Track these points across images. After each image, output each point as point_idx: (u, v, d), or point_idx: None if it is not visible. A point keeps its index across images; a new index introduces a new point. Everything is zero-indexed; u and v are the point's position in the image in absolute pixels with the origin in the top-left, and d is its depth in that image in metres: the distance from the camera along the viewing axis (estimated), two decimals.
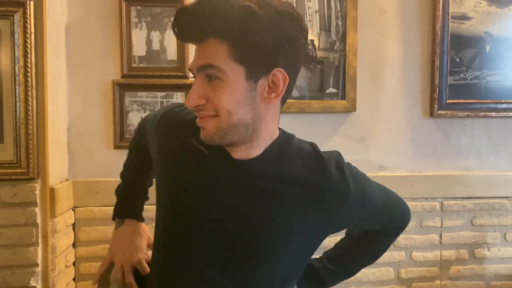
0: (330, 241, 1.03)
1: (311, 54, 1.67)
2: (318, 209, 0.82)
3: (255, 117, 0.77)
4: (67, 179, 1.57)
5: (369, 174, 1.72)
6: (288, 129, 1.84)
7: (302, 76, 1.67)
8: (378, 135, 1.74)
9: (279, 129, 0.85)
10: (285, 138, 0.84)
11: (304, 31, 0.78)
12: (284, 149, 0.83)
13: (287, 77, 0.76)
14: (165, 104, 1.59)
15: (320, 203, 0.82)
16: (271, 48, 0.74)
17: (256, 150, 0.80)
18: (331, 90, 1.69)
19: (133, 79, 1.57)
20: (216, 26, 0.72)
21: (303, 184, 0.81)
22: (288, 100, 1.67)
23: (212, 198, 0.81)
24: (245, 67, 0.73)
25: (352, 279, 1.70)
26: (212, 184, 0.82)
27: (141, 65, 1.57)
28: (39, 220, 1.35)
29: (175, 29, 0.75)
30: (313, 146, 0.89)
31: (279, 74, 0.75)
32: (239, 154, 0.80)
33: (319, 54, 1.67)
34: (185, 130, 0.84)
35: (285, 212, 0.80)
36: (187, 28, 0.74)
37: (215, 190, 0.81)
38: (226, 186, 0.81)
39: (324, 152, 0.89)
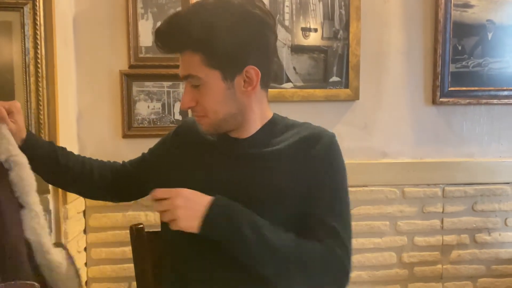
0: None
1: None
2: (299, 176, 0.89)
3: (240, 108, 0.89)
4: None
5: (372, 161, 1.78)
6: (292, 117, 1.88)
7: (306, 65, 1.69)
8: (381, 123, 1.76)
9: (275, 113, 0.98)
10: (277, 119, 0.97)
11: (268, 25, 0.88)
12: (275, 127, 0.94)
13: (259, 71, 0.87)
14: (171, 94, 1.62)
15: (301, 171, 0.89)
16: (239, 51, 0.85)
17: (250, 130, 0.93)
18: (335, 78, 1.71)
19: (140, 70, 1.60)
20: (187, 42, 0.84)
21: (289, 155, 0.89)
22: (291, 89, 1.75)
23: (215, 173, 0.91)
24: (220, 70, 0.85)
25: (355, 263, 1.76)
26: (215, 161, 0.93)
27: (148, 55, 1.60)
28: (51, 206, 1.39)
29: (158, 45, 0.88)
30: (304, 123, 0.98)
31: (251, 71, 0.87)
32: (237, 134, 0.94)
33: (323, 43, 1.70)
34: (196, 129, 0.98)
35: (276, 178, 0.88)
36: (166, 44, 0.88)
37: (217, 165, 0.92)
38: (226, 160, 0.92)
39: (315, 127, 0.96)
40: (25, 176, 0.85)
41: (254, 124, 0.93)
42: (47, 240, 0.87)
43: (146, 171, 1.06)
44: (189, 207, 0.80)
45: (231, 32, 0.84)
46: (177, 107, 1.62)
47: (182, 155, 0.98)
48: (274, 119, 0.96)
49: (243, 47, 0.85)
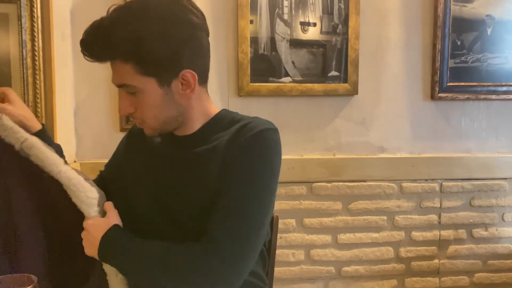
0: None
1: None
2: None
3: (180, 109, 0.87)
4: (74, 161, 1.61)
5: (369, 156, 1.78)
6: (290, 112, 1.88)
7: (305, 59, 1.69)
8: (379, 118, 1.76)
9: (224, 109, 0.95)
10: (222, 115, 0.92)
11: (198, 25, 0.85)
12: (219, 124, 0.90)
13: (195, 74, 0.84)
14: None
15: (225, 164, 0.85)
16: (171, 57, 0.81)
17: (193, 127, 0.90)
18: (334, 73, 1.71)
19: None
20: (115, 53, 0.80)
21: (221, 150, 0.85)
22: (290, 84, 1.72)
23: (160, 176, 0.90)
24: (155, 77, 0.82)
25: (353, 257, 1.77)
26: (160, 164, 0.91)
27: None
28: None
29: (85, 55, 0.82)
30: (252, 117, 0.91)
31: (187, 74, 0.83)
32: (180, 132, 0.91)
33: (322, 37, 1.69)
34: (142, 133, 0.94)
35: (210, 177, 0.84)
36: (93, 56, 0.82)
37: (161, 168, 0.90)
38: (169, 161, 0.90)
39: (258, 120, 0.89)
40: (43, 156, 0.84)
41: (197, 121, 0.90)
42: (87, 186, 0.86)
43: (107, 186, 1.00)
44: (88, 239, 0.85)
45: (161, 39, 0.80)
46: None
47: (134, 159, 0.97)
48: (220, 114, 0.92)
49: (175, 52, 0.81)
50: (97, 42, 0.80)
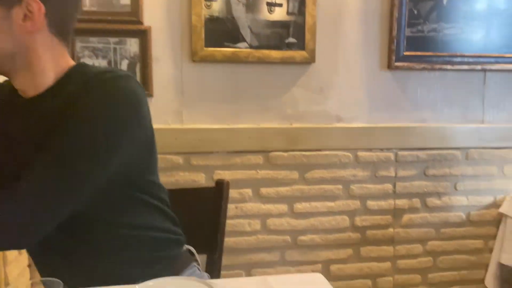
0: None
1: None
2: None
3: (19, 47, 0.78)
4: None
5: (326, 125, 1.77)
6: (247, 80, 1.84)
7: (262, 24, 1.65)
8: (337, 87, 1.75)
9: (79, 63, 0.87)
10: (77, 69, 0.85)
11: None
12: (73, 79, 0.83)
13: (43, 7, 0.76)
14: (118, 51, 1.55)
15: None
16: None
17: (41, 82, 0.82)
18: (291, 39, 1.68)
19: (84, 24, 1.51)
20: None
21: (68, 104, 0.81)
22: (246, 49, 1.66)
23: (10, 138, 0.83)
24: None
25: (309, 227, 1.77)
26: (11, 125, 0.84)
27: (93, 8, 1.51)
28: None
29: None
30: (103, 69, 0.87)
31: (34, 4, 0.75)
32: (27, 91, 0.82)
33: (279, 1, 1.65)
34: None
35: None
36: None
37: (13, 129, 0.83)
38: (21, 121, 0.83)
39: (109, 68, 0.86)
40: None
41: (46, 76, 0.82)
42: None
43: None
44: None
45: None
46: (124, 64, 1.55)
47: None
48: (74, 69, 0.85)
49: None
50: None
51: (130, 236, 0.97)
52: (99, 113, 0.78)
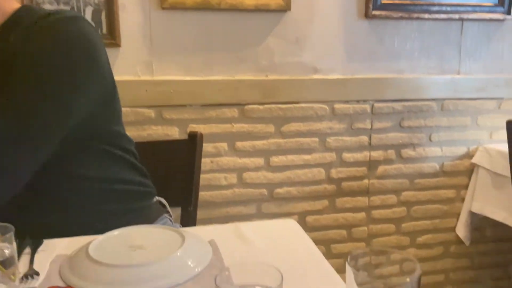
0: None
1: None
2: None
3: None
4: None
5: (303, 77, 1.73)
6: (219, 29, 1.77)
7: None
8: (313, 37, 1.70)
9: (24, 5, 0.82)
10: (19, 13, 0.81)
11: None
12: (15, 24, 0.79)
13: None
14: None
15: None
16: None
17: None
18: None
19: None
20: None
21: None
22: None
23: None
24: None
25: (285, 179, 1.77)
26: None
27: None
28: None
29: None
30: (50, 11, 0.82)
31: None
32: None
33: None
34: None
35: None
36: None
37: None
38: None
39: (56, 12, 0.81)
40: None
41: None
42: None
43: None
44: None
45: None
46: (88, 12, 1.46)
47: None
48: (18, 13, 0.81)
49: None
50: None
51: (96, 189, 0.95)
52: (46, 62, 0.74)
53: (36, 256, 0.79)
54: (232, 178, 1.72)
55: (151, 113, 1.60)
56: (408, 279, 0.42)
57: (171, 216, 1.17)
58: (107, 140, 0.96)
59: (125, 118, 1.47)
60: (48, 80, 0.76)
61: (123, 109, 1.03)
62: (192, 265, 0.75)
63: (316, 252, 0.84)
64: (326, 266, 0.79)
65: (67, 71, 0.77)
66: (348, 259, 0.43)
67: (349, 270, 0.42)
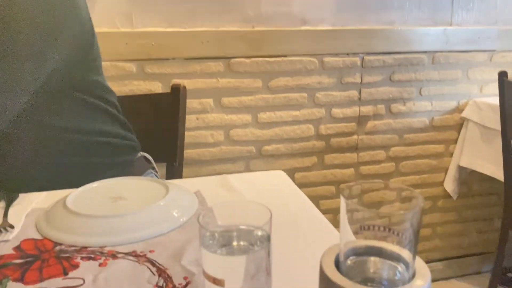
0: None
1: None
2: None
3: None
4: None
5: (291, 28, 1.66)
6: None
7: None
8: None
9: None
10: None
11: None
12: None
13: None
14: None
15: None
16: None
17: None
18: None
19: None
20: None
21: None
22: None
23: None
24: None
25: (273, 136, 1.73)
26: None
27: None
28: None
29: None
30: None
31: None
32: None
33: None
34: None
35: None
36: None
37: None
38: None
39: None
40: None
41: None
42: None
43: None
44: None
45: None
46: None
47: None
48: None
49: None
50: None
51: (77, 142, 0.92)
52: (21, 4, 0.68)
53: (11, 209, 0.75)
54: (219, 135, 1.68)
55: (132, 67, 1.52)
56: (405, 211, 0.38)
57: (157, 172, 1.13)
58: (87, 89, 0.92)
59: (105, 73, 1.39)
60: (22, 22, 0.70)
61: (103, 63, 0.98)
62: (176, 215, 0.72)
63: (307, 202, 0.82)
64: (317, 214, 0.77)
65: (44, 14, 0.72)
66: (342, 189, 0.40)
67: (342, 201, 0.39)
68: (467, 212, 2.05)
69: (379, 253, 0.42)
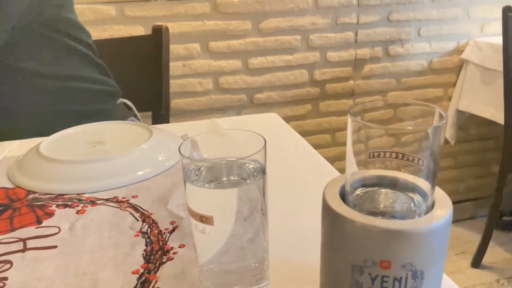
0: None
1: None
2: None
3: None
4: None
5: None
6: None
7: None
8: None
9: None
10: None
11: None
12: None
13: None
14: None
15: None
16: None
17: None
18: None
19: None
20: None
21: None
22: None
23: None
24: None
25: (265, 83, 1.64)
26: None
27: None
28: None
29: None
30: None
31: None
32: None
33: None
34: None
35: None
36: None
37: None
38: None
39: None
40: None
41: None
42: None
43: None
44: None
45: None
46: None
47: None
48: None
49: None
50: None
51: (51, 87, 0.85)
52: None
53: None
54: (208, 83, 1.59)
55: (111, 10, 1.41)
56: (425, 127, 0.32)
57: (139, 120, 1.06)
58: (58, 28, 0.84)
59: (82, 16, 1.29)
60: None
61: (79, 6, 0.88)
62: (162, 159, 0.65)
63: (304, 143, 0.75)
64: (315, 155, 0.71)
65: None
66: (350, 107, 0.34)
67: (349, 120, 0.33)
68: (464, 157, 2.02)
69: (392, 183, 0.36)
